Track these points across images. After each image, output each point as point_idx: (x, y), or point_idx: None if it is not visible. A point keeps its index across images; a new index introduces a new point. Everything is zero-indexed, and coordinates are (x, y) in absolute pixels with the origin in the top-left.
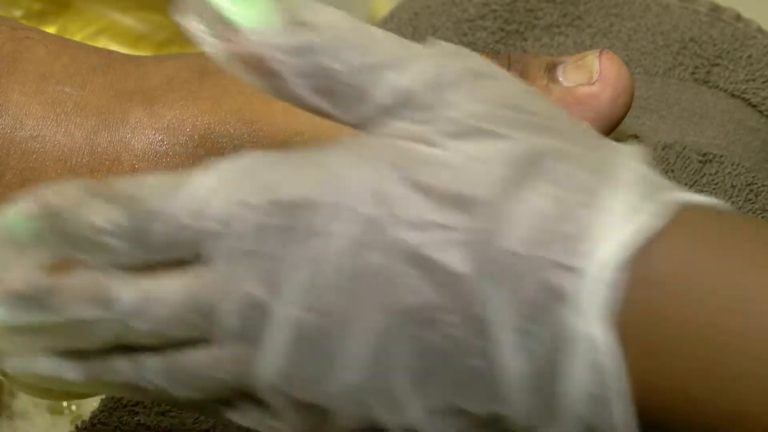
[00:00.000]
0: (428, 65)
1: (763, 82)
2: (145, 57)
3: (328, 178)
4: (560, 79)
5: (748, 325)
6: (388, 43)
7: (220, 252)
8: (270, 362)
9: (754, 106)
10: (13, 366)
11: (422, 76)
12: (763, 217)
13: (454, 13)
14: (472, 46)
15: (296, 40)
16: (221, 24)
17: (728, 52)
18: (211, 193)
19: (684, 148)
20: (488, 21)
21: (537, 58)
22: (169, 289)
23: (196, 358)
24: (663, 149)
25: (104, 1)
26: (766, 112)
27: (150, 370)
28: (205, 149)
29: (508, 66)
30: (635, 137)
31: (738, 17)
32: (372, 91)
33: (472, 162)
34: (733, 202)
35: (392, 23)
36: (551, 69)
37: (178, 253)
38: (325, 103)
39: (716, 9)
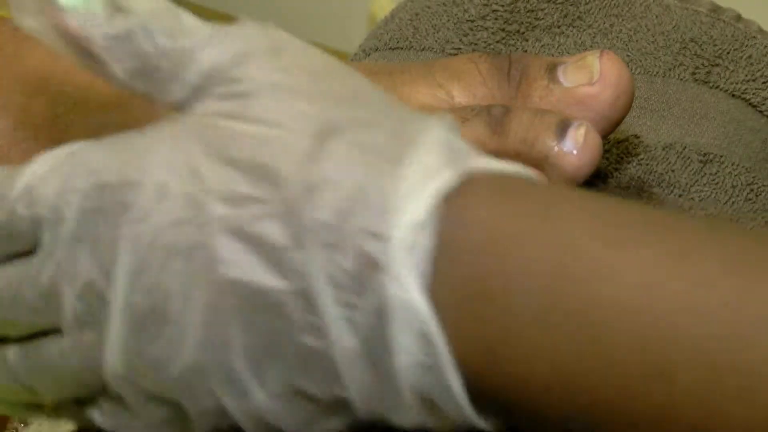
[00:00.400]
0: (230, 43)
1: (764, 83)
2: None
3: (146, 158)
4: (561, 79)
5: (536, 286)
6: (198, 25)
7: (55, 238)
8: (112, 349)
9: (754, 107)
10: None
11: (224, 55)
12: (762, 218)
13: (455, 13)
14: (473, 46)
15: (114, 27)
16: (44, 3)
17: (728, 53)
18: (42, 181)
19: (684, 148)
20: (489, 21)
21: (538, 59)
22: (11, 277)
23: (48, 347)
24: (663, 149)
25: None
26: (766, 113)
27: (14, 365)
28: None
29: (509, 66)
30: (636, 137)
31: (738, 18)
32: (183, 72)
33: (274, 133)
34: (733, 202)
35: (393, 24)
36: (552, 69)
37: (19, 244)
38: (144, 86)
39: (716, 9)
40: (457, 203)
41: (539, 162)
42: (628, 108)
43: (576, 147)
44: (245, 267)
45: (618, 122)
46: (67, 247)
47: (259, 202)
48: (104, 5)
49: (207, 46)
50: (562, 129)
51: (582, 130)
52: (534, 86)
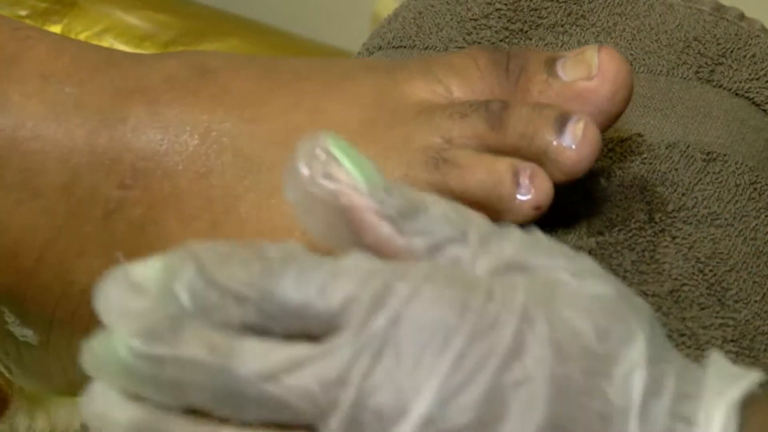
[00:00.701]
0: (520, 232)
1: (767, 81)
2: (146, 55)
3: (477, 293)
4: (560, 74)
5: None
6: (477, 214)
7: (367, 331)
8: None
9: (757, 105)
10: (95, 408)
11: (524, 240)
12: (765, 216)
13: (459, 12)
14: (477, 45)
15: (406, 202)
16: (336, 173)
17: (732, 51)
18: (365, 272)
19: (688, 147)
20: (492, 20)
21: (536, 53)
22: (291, 356)
23: None
24: (667, 148)
25: (109, 0)
26: None
27: None
28: (205, 148)
29: (508, 61)
30: (639, 135)
31: (742, 16)
32: (485, 256)
33: (612, 302)
34: (736, 201)
35: (396, 22)
36: (551, 64)
37: (311, 325)
38: (443, 258)
39: (720, 8)
40: (752, 404)
41: (538, 157)
42: (627, 102)
43: (575, 141)
44: (580, 423)
45: (617, 116)
46: (373, 350)
47: (609, 361)
48: (386, 185)
49: (502, 234)
50: (561, 123)
51: (581, 125)
52: (533, 81)
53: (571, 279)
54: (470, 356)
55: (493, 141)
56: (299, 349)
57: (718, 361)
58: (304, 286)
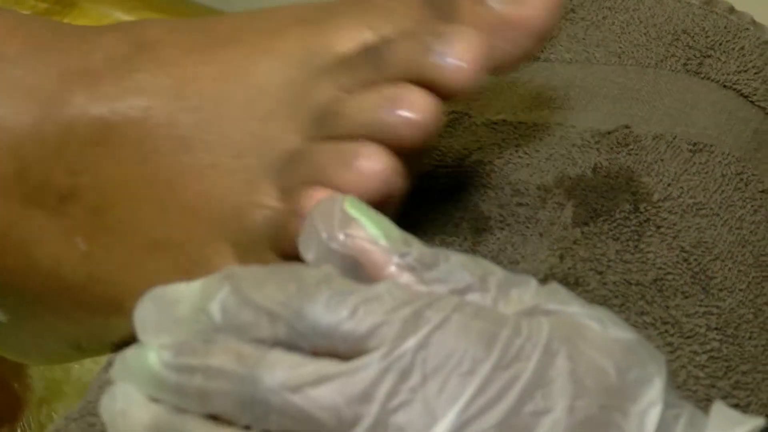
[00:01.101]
0: (537, 282)
1: (755, 74)
2: (89, 30)
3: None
4: (489, 2)
5: None
6: (496, 266)
7: (395, 352)
8: None
9: (745, 97)
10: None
11: (542, 289)
12: (751, 206)
13: None
14: None
15: (425, 252)
16: (347, 226)
17: (720, 44)
18: (398, 300)
19: (674, 138)
20: None
21: None
22: (320, 371)
23: None
24: (653, 139)
25: (109, 1)
26: (757, 103)
27: None
28: (146, 130)
29: None
30: (626, 127)
31: (731, 10)
32: (508, 302)
33: (632, 347)
34: (722, 191)
35: None
36: None
37: (342, 344)
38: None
39: (709, 2)
40: None
41: (424, 82)
42: (556, 18)
43: (455, 57)
44: None
45: (548, 34)
46: (400, 370)
47: (627, 399)
48: (401, 238)
49: (522, 284)
50: (439, 44)
51: (459, 42)
52: (462, 12)
53: (594, 324)
54: (494, 383)
55: (380, 80)
56: (327, 365)
57: (720, 409)
58: (337, 308)
